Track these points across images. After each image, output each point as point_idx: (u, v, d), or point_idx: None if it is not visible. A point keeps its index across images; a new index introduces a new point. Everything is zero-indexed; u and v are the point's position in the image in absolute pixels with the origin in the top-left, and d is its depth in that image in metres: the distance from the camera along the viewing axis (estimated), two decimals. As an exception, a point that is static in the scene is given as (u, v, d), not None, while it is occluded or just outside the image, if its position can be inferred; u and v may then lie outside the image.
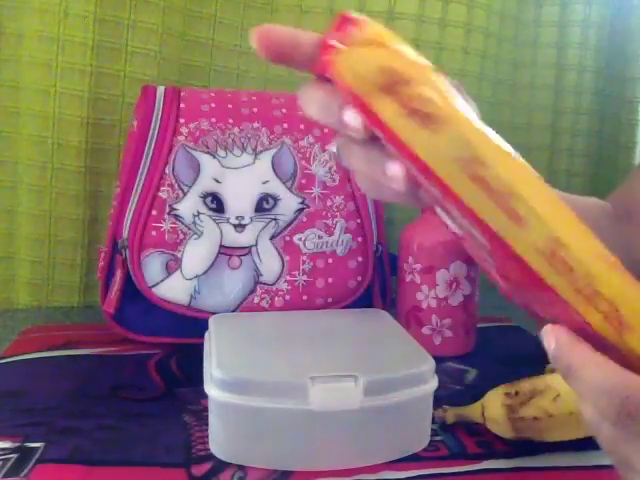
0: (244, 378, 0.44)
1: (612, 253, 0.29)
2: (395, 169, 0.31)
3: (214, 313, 0.60)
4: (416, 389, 0.46)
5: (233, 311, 0.65)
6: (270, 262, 0.67)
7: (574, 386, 0.29)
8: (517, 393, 0.47)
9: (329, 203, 0.69)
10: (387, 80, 0.28)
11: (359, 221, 0.71)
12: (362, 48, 0.29)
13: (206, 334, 0.55)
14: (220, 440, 0.45)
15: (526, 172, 0.29)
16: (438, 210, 0.33)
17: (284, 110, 0.70)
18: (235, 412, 0.44)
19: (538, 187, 0.29)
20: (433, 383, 0.47)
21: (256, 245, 0.66)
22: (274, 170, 0.68)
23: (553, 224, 0.28)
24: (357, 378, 0.43)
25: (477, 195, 0.28)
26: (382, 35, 0.30)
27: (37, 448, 0.45)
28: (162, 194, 0.66)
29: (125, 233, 0.65)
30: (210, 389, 0.44)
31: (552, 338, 0.30)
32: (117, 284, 0.65)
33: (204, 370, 0.48)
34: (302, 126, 0.70)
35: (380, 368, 0.46)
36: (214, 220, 0.66)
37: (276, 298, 0.67)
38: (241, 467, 0.44)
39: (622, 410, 0.27)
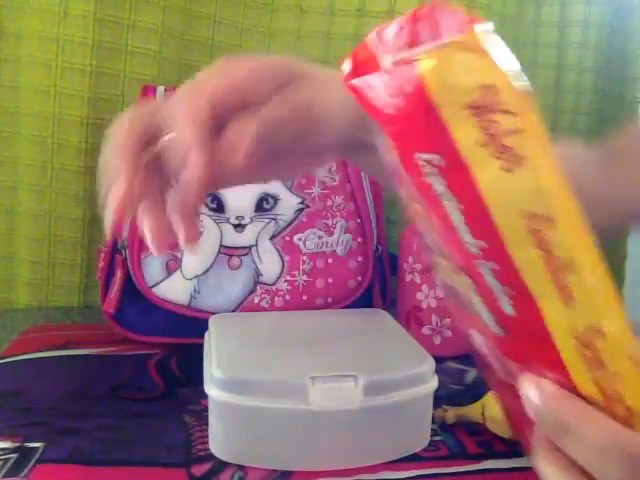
0: (244, 378, 0.44)
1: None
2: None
3: (214, 313, 0.60)
4: (416, 389, 0.46)
5: (233, 311, 0.65)
6: (270, 262, 0.67)
7: (570, 446, 0.26)
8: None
9: (329, 203, 0.69)
10: (480, 100, 0.23)
11: (359, 221, 0.71)
12: (461, 53, 0.23)
13: (206, 334, 0.55)
14: (220, 440, 0.45)
15: (588, 239, 0.25)
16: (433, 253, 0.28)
17: (284, 110, 0.70)
18: (235, 412, 0.44)
19: (595, 260, 0.25)
20: (433, 383, 0.47)
21: (256, 245, 0.66)
22: (274, 170, 0.68)
23: (601, 310, 0.25)
24: (357, 378, 0.43)
25: (532, 258, 0.24)
26: (479, 37, 0.24)
27: (37, 448, 0.45)
28: (162, 194, 0.65)
29: (125, 233, 0.65)
30: (210, 389, 0.44)
31: (536, 389, 0.26)
32: (117, 284, 0.65)
33: (204, 370, 0.48)
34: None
35: (380, 368, 0.46)
36: (214, 220, 0.66)
37: (276, 298, 0.66)
38: (241, 467, 0.44)
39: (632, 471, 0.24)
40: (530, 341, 0.26)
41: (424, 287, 0.65)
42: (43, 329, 0.70)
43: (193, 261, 0.65)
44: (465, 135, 0.23)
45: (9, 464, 0.43)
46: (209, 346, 0.51)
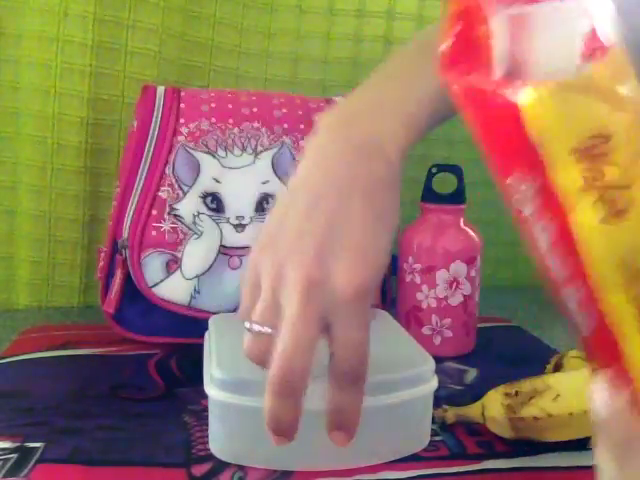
0: (244, 378, 0.44)
1: None
2: None
3: (214, 313, 0.60)
4: (416, 389, 0.46)
5: (233, 311, 0.65)
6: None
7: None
8: (517, 393, 0.47)
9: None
10: (590, 146, 0.22)
11: (359, 221, 0.70)
12: (579, 96, 0.21)
13: (206, 334, 0.55)
14: (220, 440, 0.45)
15: None
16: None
17: (284, 110, 0.70)
18: (235, 412, 0.44)
19: None
20: (433, 383, 0.47)
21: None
22: (274, 170, 0.68)
23: None
24: None
25: (621, 306, 0.24)
26: (603, 72, 0.21)
27: (37, 448, 0.45)
28: (162, 194, 0.66)
29: (125, 233, 0.65)
30: (210, 389, 0.44)
31: (605, 400, 0.26)
32: (117, 284, 0.65)
33: (204, 370, 0.48)
34: (302, 126, 0.70)
35: (380, 368, 0.46)
36: (214, 220, 0.66)
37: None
38: (241, 467, 0.44)
39: None
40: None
41: (424, 287, 0.65)
42: (43, 329, 0.70)
43: (193, 261, 0.65)
44: (565, 177, 0.22)
45: (9, 464, 0.43)
46: (209, 346, 0.51)
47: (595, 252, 0.23)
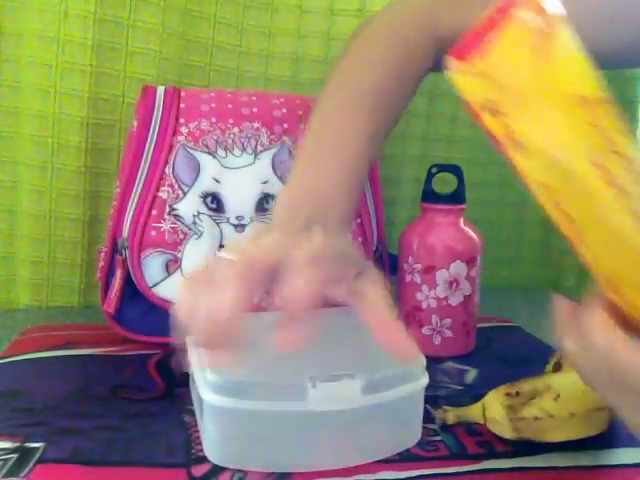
0: (240, 381, 0.43)
1: None
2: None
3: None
4: (409, 385, 0.46)
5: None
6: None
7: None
8: (518, 393, 0.47)
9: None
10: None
11: (359, 221, 0.71)
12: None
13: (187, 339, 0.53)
14: (216, 445, 0.44)
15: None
16: None
17: (284, 110, 0.70)
18: (232, 416, 0.43)
19: None
20: (424, 379, 0.47)
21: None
22: (274, 170, 0.68)
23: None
24: (354, 377, 0.43)
25: None
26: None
27: (37, 448, 0.45)
28: (162, 194, 0.66)
29: (125, 233, 0.65)
30: (205, 393, 0.43)
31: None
32: (117, 284, 0.65)
33: (197, 374, 0.47)
34: (302, 126, 0.70)
35: (373, 367, 0.46)
36: (214, 220, 0.66)
37: (276, 297, 0.66)
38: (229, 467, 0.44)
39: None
40: None
41: (424, 287, 0.65)
42: (43, 329, 0.70)
43: (193, 261, 0.65)
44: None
45: (9, 464, 0.43)
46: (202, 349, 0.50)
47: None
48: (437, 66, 0.58)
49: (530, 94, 0.29)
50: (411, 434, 0.48)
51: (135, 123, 0.68)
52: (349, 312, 0.62)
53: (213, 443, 0.45)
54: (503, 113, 0.29)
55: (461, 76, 0.30)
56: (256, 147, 0.68)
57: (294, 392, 0.43)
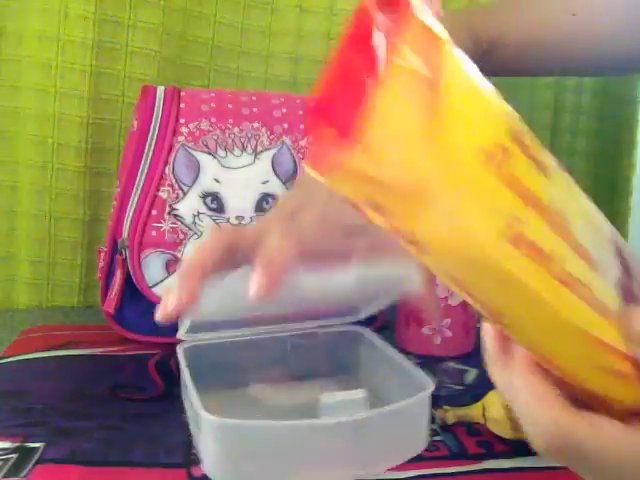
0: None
1: None
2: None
3: (209, 321, 0.59)
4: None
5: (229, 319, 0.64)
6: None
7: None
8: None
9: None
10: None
11: (359, 221, 0.70)
12: None
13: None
14: (217, 462, 0.43)
15: None
16: None
17: (284, 110, 0.70)
18: (235, 432, 0.42)
19: None
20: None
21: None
22: (274, 170, 0.68)
23: None
24: (360, 387, 0.44)
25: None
26: None
27: (37, 448, 0.45)
28: (162, 194, 0.66)
29: (125, 233, 0.65)
30: (204, 412, 0.42)
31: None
32: (117, 284, 0.65)
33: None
34: (302, 126, 0.70)
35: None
36: (214, 220, 0.66)
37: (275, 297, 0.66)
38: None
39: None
40: None
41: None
42: (43, 329, 0.70)
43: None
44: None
45: (9, 464, 0.43)
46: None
47: None
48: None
49: (418, 185, 0.22)
50: (417, 442, 0.47)
51: (135, 123, 0.68)
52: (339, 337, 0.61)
53: (213, 461, 0.43)
54: (388, 212, 0.23)
55: (331, 180, 0.22)
56: (256, 147, 0.68)
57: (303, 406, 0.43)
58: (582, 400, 0.27)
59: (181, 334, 0.46)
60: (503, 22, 0.63)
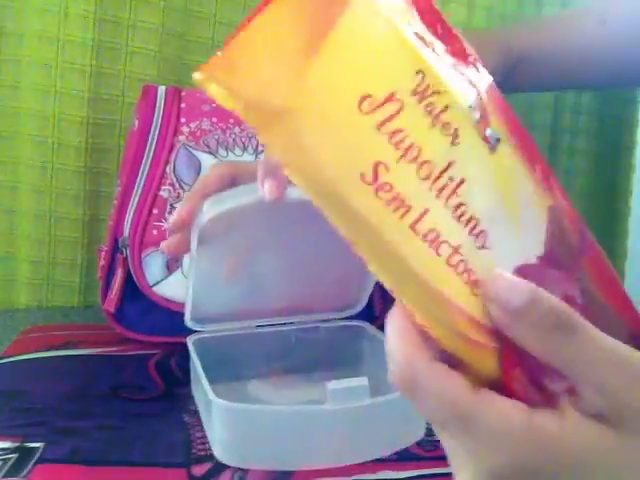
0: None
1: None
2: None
3: (214, 313, 0.60)
4: None
5: (234, 308, 0.65)
6: (270, 262, 0.66)
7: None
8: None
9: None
10: None
11: (359, 221, 0.71)
12: None
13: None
14: (226, 445, 0.45)
15: None
16: None
17: (284, 110, 0.70)
18: (242, 416, 0.44)
19: None
20: None
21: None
22: (274, 170, 0.68)
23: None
24: (363, 375, 0.45)
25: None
26: None
27: (37, 448, 0.45)
28: (163, 193, 0.66)
29: (126, 232, 0.65)
30: (214, 395, 0.44)
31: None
32: (118, 283, 0.65)
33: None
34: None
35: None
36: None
37: (276, 297, 0.66)
38: (241, 467, 0.44)
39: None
40: None
41: (424, 287, 0.65)
42: (43, 329, 0.70)
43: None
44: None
45: (9, 464, 0.43)
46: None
47: None
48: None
49: (280, 105, 0.22)
50: (416, 430, 0.48)
51: (136, 122, 0.68)
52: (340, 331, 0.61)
53: (220, 442, 0.45)
54: (256, 127, 0.23)
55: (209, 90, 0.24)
56: (257, 147, 0.68)
57: (310, 391, 0.43)
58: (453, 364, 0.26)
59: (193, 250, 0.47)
60: (533, 35, 0.63)
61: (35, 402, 0.52)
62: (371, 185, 0.23)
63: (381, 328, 0.68)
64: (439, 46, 0.24)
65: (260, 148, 0.68)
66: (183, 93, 0.69)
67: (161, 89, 0.68)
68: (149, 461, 0.44)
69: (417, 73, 0.23)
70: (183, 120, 0.67)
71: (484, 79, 0.25)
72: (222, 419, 0.44)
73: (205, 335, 0.55)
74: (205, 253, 0.57)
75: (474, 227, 0.25)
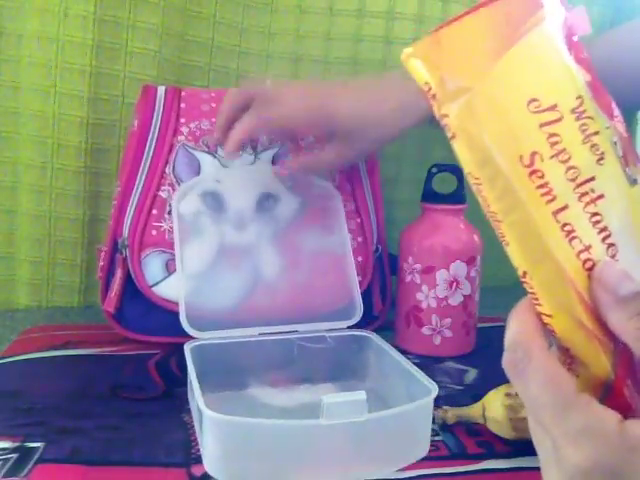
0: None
1: None
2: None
3: (214, 313, 0.60)
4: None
5: (233, 310, 0.65)
6: (270, 262, 0.67)
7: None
8: (518, 393, 0.47)
9: (329, 203, 0.69)
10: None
11: (359, 221, 0.71)
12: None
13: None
14: (218, 460, 0.43)
15: None
16: None
17: (284, 110, 0.70)
18: (234, 429, 0.42)
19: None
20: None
21: (256, 245, 0.66)
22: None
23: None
24: (362, 390, 0.43)
25: None
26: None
27: (37, 448, 0.45)
28: (162, 193, 0.66)
29: (125, 232, 0.65)
30: (206, 408, 0.42)
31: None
32: (117, 283, 0.65)
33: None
34: (302, 126, 0.70)
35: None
36: (214, 220, 0.66)
37: (276, 298, 0.66)
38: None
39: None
40: None
41: (424, 287, 0.65)
42: (43, 329, 0.70)
43: (193, 261, 0.65)
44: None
45: (9, 464, 0.43)
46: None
47: None
48: None
49: (464, 87, 0.28)
50: (419, 447, 0.47)
51: (136, 123, 0.68)
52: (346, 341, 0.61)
53: (214, 459, 0.43)
54: (436, 99, 0.28)
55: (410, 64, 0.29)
56: (256, 147, 0.68)
57: (306, 407, 0.42)
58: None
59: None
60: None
61: (35, 402, 0.52)
62: (527, 168, 0.27)
63: (381, 328, 0.68)
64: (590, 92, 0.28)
65: (259, 148, 0.68)
66: (183, 93, 0.69)
67: (161, 89, 0.69)
68: (149, 461, 0.44)
69: (577, 98, 0.27)
70: (182, 120, 0.67)
71: (624, 131, 0.30)
72: (213, 431, 0.42)
73: (204, 342, 0.55)
74: (191, 248, 0.57)
75: (607, 237, 0.28)
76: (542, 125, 0.27)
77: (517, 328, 0.29)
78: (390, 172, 0.86)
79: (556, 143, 0.27)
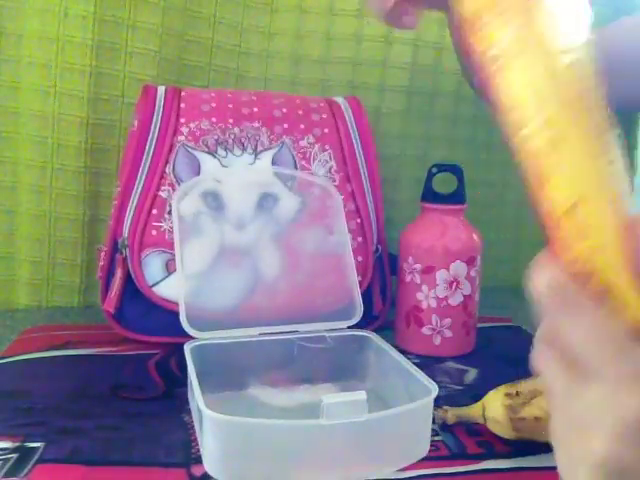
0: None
1: None
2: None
3: (214, 313, 0.60)
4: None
5: (233, 310, 0.65)
6: (270, 262, 0.67)
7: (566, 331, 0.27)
8: (518, 393, 0.47)
9: (329, 203, 0.69)
10: None
11: (359, 221, 0.71)
12: None
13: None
14: (218, 460, 0.43)
15: None
16: None
17: (284, 110, 0.70)
18: (234, 429, 0.42)
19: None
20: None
21: (256, 245, 0.66)
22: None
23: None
24: (363, 390, 0.43)
25: None
26: None
27: (37, 448, 0.45)
28: (162, 193, 0.66)
29: (125, 232, 0.65)
30: (206, 407, 0.42)
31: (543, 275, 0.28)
32: (117, 283, 0.65)
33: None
34: (302, 126, 0.70)
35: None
36: (214, 219, 0.66)
37: (276, 298, 0.66)
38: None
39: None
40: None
41: (424, 287, 0.65)
42: (43, 329, 0.70)
43: (193, 261, 0.65)
44: None
45: (9, 464, 0.43)
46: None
47: None
48: None
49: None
50: (419, 447, 0.47)
51: (136, 123, 0.68)
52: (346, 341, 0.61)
53: (214, 459, 0.43)
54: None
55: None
56: (256, 147, 0.68)
57: (305, 406, 0.42)
58: None
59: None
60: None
61: (35, 402, 0.52)
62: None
63: (381, 328, 0.68)
64: None
65: (259, 148, 0.68)
66: (183, 93, 0.69)
67: (161, 89, 0.69)
68: (149, 461, 0.44)
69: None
70: (182, 120, 0.67)
71: None
72: (213, 431, 0.42)
73: (205, 342, 0.55)
74: (191, 248, 0.57)
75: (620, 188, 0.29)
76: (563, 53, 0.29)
77: (551, 274, 0.27)
78: (390, 172, 0.86)
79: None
